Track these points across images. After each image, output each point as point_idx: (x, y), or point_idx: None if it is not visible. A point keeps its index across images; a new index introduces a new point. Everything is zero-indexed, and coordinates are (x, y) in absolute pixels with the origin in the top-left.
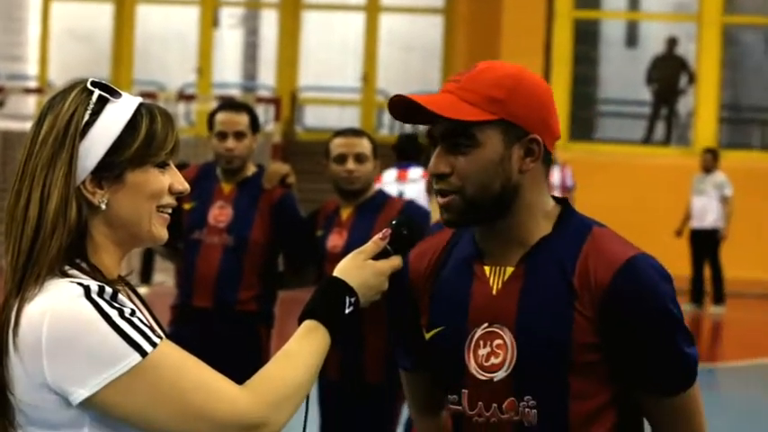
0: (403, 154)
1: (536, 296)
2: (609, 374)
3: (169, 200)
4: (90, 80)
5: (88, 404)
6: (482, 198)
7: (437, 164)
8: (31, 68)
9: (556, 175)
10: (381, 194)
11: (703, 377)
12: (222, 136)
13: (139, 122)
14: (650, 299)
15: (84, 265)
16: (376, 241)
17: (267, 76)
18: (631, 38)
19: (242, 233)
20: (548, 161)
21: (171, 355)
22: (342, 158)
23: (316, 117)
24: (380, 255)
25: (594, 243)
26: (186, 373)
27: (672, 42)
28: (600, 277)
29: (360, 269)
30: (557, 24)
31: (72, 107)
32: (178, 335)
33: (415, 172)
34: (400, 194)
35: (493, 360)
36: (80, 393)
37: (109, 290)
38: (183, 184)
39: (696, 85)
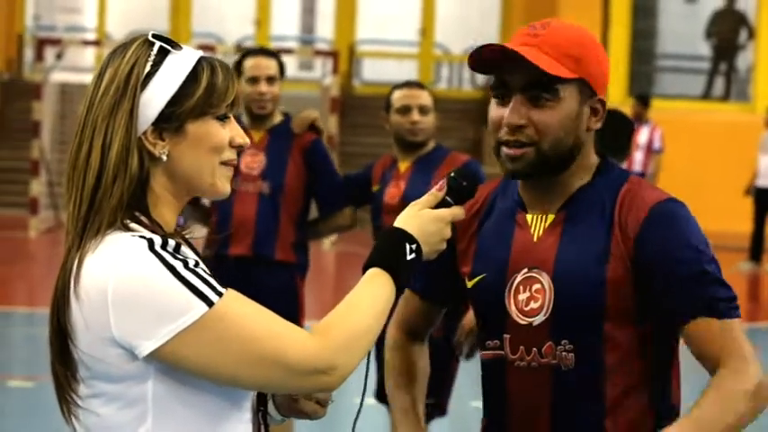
0: None
1: (575, 242)
2: (644, 319)
3: (231, 154)
4: (151, 33)
5: (154, 356)
6: (555, 153)
7: (514, 116)
8: (89, 20)
9: (644, 135)
10: (441, 149)
11: (761, 337)
12: (254, 81)
13: (200, 74)
14: (680, 240)
15: (144, 219)
16: (433, 193)
17: (325, 29)
18: None
19: (277, 179)
20: None
21: (237, 304)
22: (406, 109)
23: (373, 71)
24: (440, 206)
25: (630, 191)
26: (253, 320)
27: None
28: (632, 223)
29: (416, 217)
30: None
31: (133, 58)
32: None
33: None
34: None
35: (532, 305)
36: (147, 346)
37: (172, 242)
38: (243, 138)
39: (756, 40)
